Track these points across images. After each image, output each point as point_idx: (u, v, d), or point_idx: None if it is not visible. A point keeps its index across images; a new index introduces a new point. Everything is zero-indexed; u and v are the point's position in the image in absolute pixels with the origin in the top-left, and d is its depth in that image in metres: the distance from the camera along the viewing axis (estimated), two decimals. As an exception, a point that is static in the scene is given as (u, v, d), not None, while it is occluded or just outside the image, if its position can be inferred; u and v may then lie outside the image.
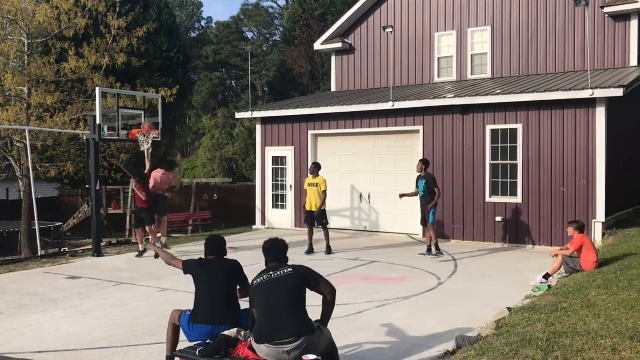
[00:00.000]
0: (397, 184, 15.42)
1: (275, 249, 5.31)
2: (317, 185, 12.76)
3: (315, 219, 12.73)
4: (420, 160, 12.24)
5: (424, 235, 14.78)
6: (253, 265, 7.46)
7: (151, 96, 16.58)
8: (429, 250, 12.05)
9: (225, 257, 5.74)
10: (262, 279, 5.08)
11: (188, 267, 5.61)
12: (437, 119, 14.75)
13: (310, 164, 14.30)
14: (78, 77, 19.62)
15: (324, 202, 12.69)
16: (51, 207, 26.35)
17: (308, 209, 12.86)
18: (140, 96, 16.81)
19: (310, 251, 12.81)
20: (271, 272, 5.08)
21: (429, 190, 11.89)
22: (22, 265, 12.48)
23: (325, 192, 12.67)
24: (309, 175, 13.21)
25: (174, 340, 5.61)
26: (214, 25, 61.24)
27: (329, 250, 12.77)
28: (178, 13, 56.41)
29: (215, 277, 5.43)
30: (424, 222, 12.16)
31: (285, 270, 5.07)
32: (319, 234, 12.95)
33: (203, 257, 5.73)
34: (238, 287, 5.54)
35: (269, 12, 57.47)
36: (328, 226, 13.01)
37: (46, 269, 11.81)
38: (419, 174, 12.09)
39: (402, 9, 18.43)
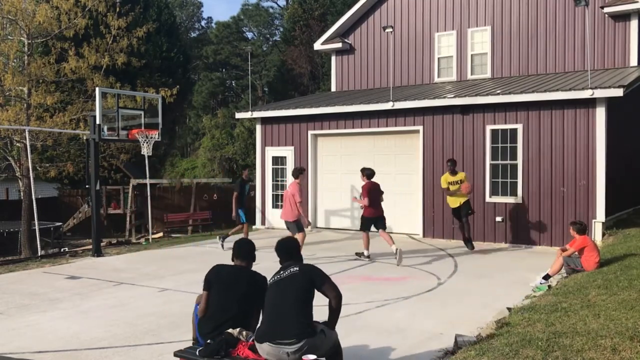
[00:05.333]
0: (397, 184, 15.43)
1: (284, 248, 5.36)
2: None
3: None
4: (245, 168, 15.03)
5: (424, 235, 14.87)
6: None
7: (151, 96, 16.58)
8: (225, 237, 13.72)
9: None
10: (273, 279, 5.16)
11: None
12: (437, 119, 14.75)
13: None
14: (78, 77, 19.64)
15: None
16: (51, 207, 26.34)
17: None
18: (140, 96, 16.82)
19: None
20: (281, 272, 5.15)
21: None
22: (22, 265, 12.48)
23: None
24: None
25: None
26: (214, 25, 61.27)
27: None
28: (178, 13, 56.33)
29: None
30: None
31: (292, 270, 5.09)
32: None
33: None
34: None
35: (269, 12, 57.46)
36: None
37: (46, 269, 11.81)
38: (245, 178, 14.08)
39: (402, 9, 18.43)
